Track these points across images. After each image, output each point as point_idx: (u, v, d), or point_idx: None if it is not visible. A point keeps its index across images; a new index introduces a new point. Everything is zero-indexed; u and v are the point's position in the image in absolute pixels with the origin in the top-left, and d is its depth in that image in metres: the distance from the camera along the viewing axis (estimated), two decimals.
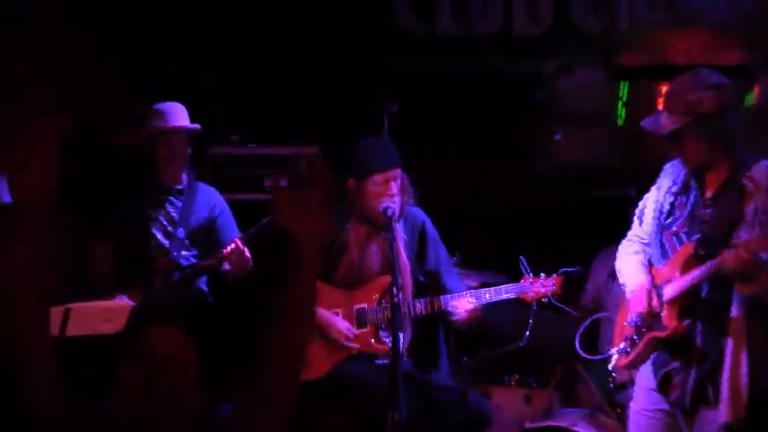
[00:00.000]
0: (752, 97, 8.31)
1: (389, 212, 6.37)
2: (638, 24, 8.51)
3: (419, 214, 6.72)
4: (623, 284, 6.06)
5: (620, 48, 8.55)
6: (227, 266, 7.02)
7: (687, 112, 5.68)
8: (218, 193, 7.51)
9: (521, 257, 6.46)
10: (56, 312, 5.89)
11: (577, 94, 8.65)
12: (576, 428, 6.94)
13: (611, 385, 6.40)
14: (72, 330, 5.86)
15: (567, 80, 8.66)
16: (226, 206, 7.45)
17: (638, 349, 5.84)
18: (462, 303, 6.42)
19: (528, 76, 8.70)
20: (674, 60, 8.23)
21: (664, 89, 8.05)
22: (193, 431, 3.92)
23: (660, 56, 8.42)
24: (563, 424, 7.01)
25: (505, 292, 6.44)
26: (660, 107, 5.85)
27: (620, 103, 8.58)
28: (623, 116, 8.51)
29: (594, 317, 7.03)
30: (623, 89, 8.56)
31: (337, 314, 6.61)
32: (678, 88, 5.78)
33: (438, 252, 6.71)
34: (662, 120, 5.74)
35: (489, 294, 6.46)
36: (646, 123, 5.85)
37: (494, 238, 7.57)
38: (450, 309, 6.48)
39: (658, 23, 8.49)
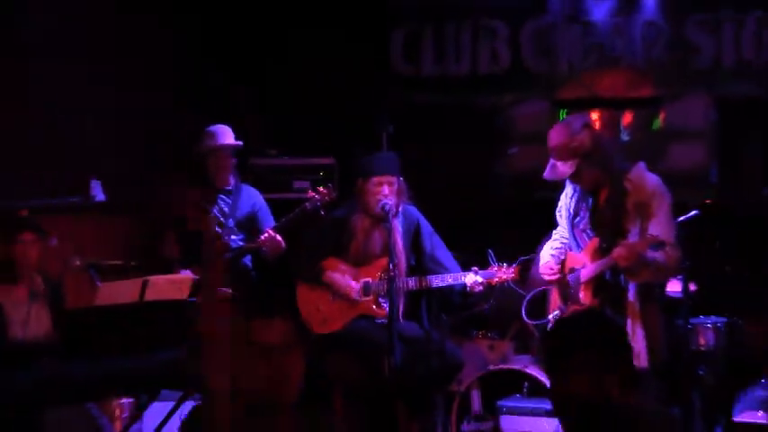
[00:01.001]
0: (659, 121, 8.28)
1: (387, 208, 6.35)
2: (573, 67, 8.48)
3: (414, 213, 6.71)
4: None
5: (559, 85, 8.52)
6: (265, 249, 7.01)
7: (575, 156, 5.74)
8: (258, 192, 7.52)
9: (488, 251, 6.46)
10: (135, 283, 5.86)
11: (527, 119, 8.62)
12: (526, 370, 7.00)
13: None
14: (149, 296, 5.84)
15: (520, 109, 8.64)
16: (264, 202, 7.47)
17: (566, 317, 5.95)
18: (467, 281, 6.43)
19: (490, 107, 8.67)
20: (600, 94, 8.26)
21: (594, 117, 8.11)
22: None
23: (590, 91, 8.40)
24: (517, 366, 7.07)
25: (481, 276, 6.42)
26: (551, 159, 5.85)
27: None
28: None
29: (535, 291, 6.99)
30: (562, 116, 8.43)
31: None
32: (560, 140, 5.83)
33: (433, 240, 6.68)
34: (559, 168, 5.81)
35: (464, 277, 6.44)
36: (547, 175, 5.91)
37: (464, 230, 7.46)
38: (442, 285, 6.50)
39: (589, 67, 8.45)
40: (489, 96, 8.64)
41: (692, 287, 6.73)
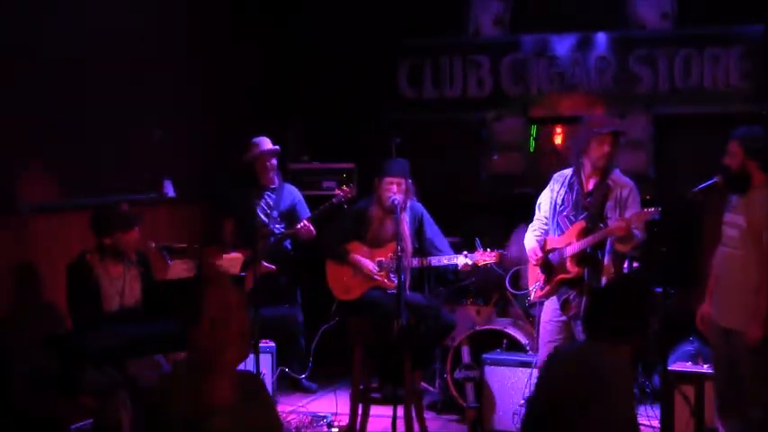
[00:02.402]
0: None
1: (396, 202, 6.26)
2: (541, 91, 8.33)
3: (419, 208, 6.56)
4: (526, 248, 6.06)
5: (531, 105, 8.37)
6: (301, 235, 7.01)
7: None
8: (297, 189, 7.47)
9: (476, 239, 6.35)
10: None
11: (506, 132, 8.47)
12: (506, 330, 6.86)
13: (527, 304, 6.29)
14: None
15: (500, 124, 8.48)
16: (301, 197, 7.42)
17: (548, 286, 5.90)
18: (458, 262, 6.34)
19: (477, 122, 8.53)
20: (563, 113, 8.12)
21: (557, 130, 8.03)
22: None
23: (555, 110, 8.26)
24: (498, 327, 6.92)
25: (469, 258, 6.32)
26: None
27: (531, 138, 8.39)
28: (533, 146, 8.36)
29: (515, 268, 6.91)
30: (533, 130, 8.38)
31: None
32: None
33: (433, 229, 6.54)
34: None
35: (456, 258, 6.35)
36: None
37: (457, 219, 7.35)
38: (438, 265, 6.41)
39: (554, 91, 8.31)
40: (476, 114, 8.48)
41: (635, 264, 6.69)
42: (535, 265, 5.89)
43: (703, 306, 5.48)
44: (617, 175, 5.76)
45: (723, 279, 5.33)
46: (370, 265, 6.43)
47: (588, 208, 5.74)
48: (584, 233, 5.71)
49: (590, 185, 5.77)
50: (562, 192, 5.87)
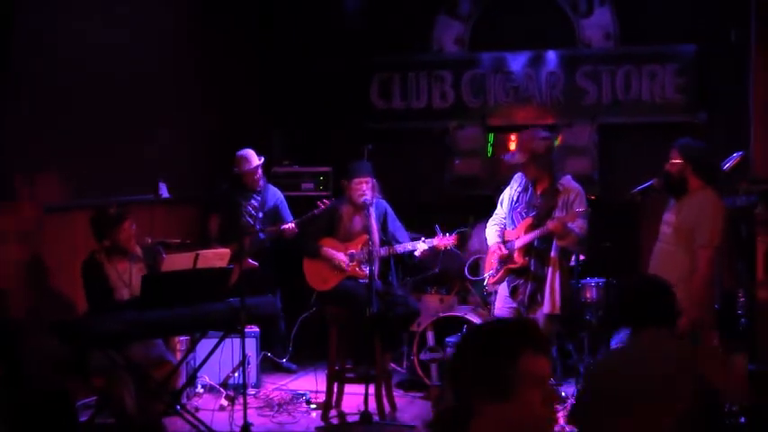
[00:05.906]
0: (557, 141, 8.17)
1: (366, 201, 6.33)
2: (498, 103, 8.39)
3: (384, 204, 6.62)
4: (488, 242, 6.13)
5: (489, 115, 8.41)
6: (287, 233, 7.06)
7: (528, 152, 5.79)
8: (279, 191, 7.51)
9: (435, 225, 6.38)
10: (190, 256, 5.81)
11: (467, 140, 8.51)
12: (466, 316, 6.91)
13: (485, 293, 6.34)
14: (199, 264, 5.78)
15: (461, 132, 8.52)
16: (283, 198, 7.47)
17: (499, 274, 6.01)
18: (419, 246, 6.36)
19: (441, 130, 8.56)
20: (517, 122, 8.15)
21: (512, 138, 8.06)
22: None
23: (510, 119, 8.32)
24: (459, 314, 6.96)
25: (428, 243, 6.36)
26: (514, 148, 6.00)
27: (489, 145, 8.42)
28: (490, 152, 8.38)
29: (474, 257, 6.97)
30: (491, 137, 8.42)
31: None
32: (525, 138, 5.91)
33: (395, 223, 6.60)
34: (516, 156, 5.87)
35: (419, 243, 6.39)
36: (506, 157, 6.03)
37: (422, 216, 7.35)
38: (403, 251, 6.42)
39: (509, 103, 8.37)
40: (440, 123, 8.52)
41: (582, 257, 6.65)
42: (499, 259, 5.95)
43: None
44: (567, 180, 5.87)
45: (654, 270, 5.44)
46: (340, 255, 6.44)
47: (537, 207, 5.87)
48: (530, 228, 5.84)
49: (541, 188, 5.91)
50: (519, 190, 6.00)
